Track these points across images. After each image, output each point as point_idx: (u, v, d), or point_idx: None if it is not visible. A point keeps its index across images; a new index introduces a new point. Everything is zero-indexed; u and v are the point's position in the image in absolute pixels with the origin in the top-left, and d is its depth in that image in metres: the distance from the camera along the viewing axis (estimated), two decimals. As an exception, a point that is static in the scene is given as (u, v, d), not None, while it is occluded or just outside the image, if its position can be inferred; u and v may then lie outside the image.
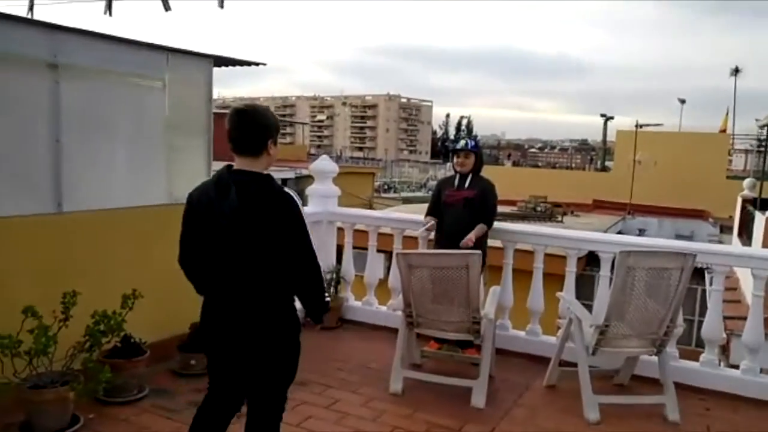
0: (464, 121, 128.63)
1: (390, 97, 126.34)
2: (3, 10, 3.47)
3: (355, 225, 5.79)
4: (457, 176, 4.87)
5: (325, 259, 5.73)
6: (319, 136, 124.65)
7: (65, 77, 3.79)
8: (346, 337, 5.32)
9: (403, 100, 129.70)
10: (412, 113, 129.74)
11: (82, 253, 3.82)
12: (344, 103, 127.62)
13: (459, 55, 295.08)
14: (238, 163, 2.32)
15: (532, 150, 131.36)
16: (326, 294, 2.51)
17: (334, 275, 5.66)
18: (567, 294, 4.67)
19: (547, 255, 4.90)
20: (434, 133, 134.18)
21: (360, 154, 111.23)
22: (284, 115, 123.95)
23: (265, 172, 2.34)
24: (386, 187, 61.12)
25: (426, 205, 5.13)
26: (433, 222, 4.90)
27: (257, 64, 5.57)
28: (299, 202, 2.43)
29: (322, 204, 5.78)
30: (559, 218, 16.29)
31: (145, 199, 4.37)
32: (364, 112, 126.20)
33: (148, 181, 4.44)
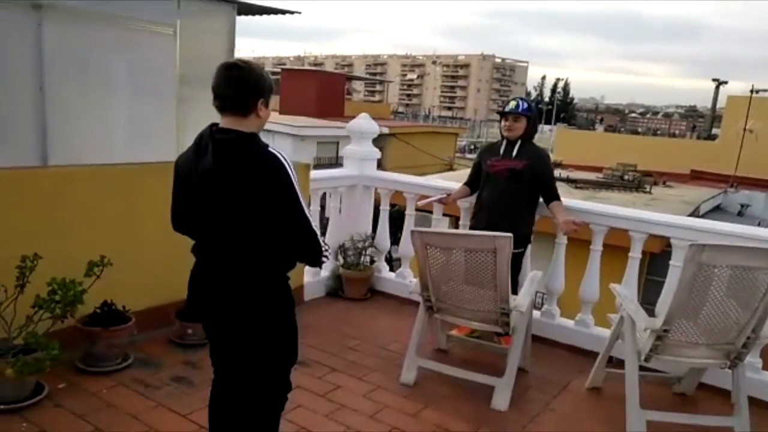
0: (560, 83, 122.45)
1: (484, 57, 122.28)
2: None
3: (393, 191, 5.23)
4: (504, 143, 4.16)
5: (359, 225, 5.26)
6: (408, 95, 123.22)
7: (50, 18, 3.45)
8: (372, 310, 4.85)
9: (497, 60, 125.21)
10: (505, 74, 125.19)
11: (67, 212, 3.50)
12: (434, 62, 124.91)
13: (559, 15, 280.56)
14: (224, 122, 2.10)
15: (633, 115, 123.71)
16: (323, 251, 2.18)
17: (366, 243, 5.18)
18: (625, 286, 3.94)
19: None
20: (528, 94, 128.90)
21: (449, 114, 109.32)
22: (374, 74, 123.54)
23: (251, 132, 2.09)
24: (472, 147, 59.74)
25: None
26: (445, 195, 4.30)
27: (291, 12, 5.08)
28: (287, 163, 2.05)
29: (357, 167, 5.26)
30: (648, 188, 14.81)
31: (147, 155, 4.01)
32: (455, 71, 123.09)
33: (152, 136, 4.11)
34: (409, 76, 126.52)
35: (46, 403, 2.95)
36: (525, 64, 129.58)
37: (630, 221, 4.08)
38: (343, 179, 5.22)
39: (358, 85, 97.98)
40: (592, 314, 4.29)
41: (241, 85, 2.08)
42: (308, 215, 2.11)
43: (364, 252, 5.16)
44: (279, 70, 39.67)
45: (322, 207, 5.19)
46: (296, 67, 53.56)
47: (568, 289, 4.38)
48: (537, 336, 4.26)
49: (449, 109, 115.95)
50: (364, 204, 5.35)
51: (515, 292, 3.76)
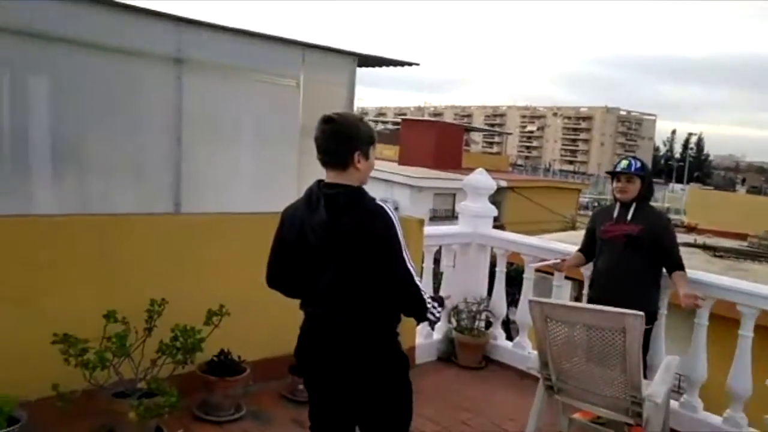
0: (693, 138, 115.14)
1: (608, 110, 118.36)
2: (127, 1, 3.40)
3: (510, 251, 4.98)
4: (617, 205, 3.83)
5: (474, 287, 5.05)
6: (528, 147, 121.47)
7: (188, 72, 3.66)
8: (488, 381, 4.56)
9: (623, 113, 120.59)
10: (631, 127, 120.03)
11: (194, 259, 3.64)
12: (555, 114, 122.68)
13: (689, 63, 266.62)
14: (328, 176, 2.15)
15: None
16: (434, 310, 2.17)
17: (481, 307, 4.94)
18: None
19: None
20: (656, 149, 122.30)
21: (570, 168, 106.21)
22: (493, 125, 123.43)
23: (357, 185, 2.13)
24: (596, 204, 57.22)
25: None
26: (560, 261, 4.01)
27: (410, 64, 5.10)
28: (394, 216, 2.10)
29: (472, 224, 5.08)
30: (805, 262, 13.18)
31: (271, 204, 4.09)
32: (577, 123, 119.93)
33: (275, 186, 4.20)
34: (529, 127, 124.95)
35: (164, 449, 2.99)
36: (653, 117, 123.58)
37: (737, 294, 3.62)
38: (456, 236, 5.07)
39: (476, 137, 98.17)
40: (743, 412, 3.73)
41: (335, 138, 2.11)
42: (411, 269, 2.11)
43: (478, 316, 4.92)
44: (399, 120, 40.65)
45: (437, 261, 5.06)
46: (415, 118, 54.75)
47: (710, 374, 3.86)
48: (674, 430, 3.77)
49: (571, 162, 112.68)
50: (478, 264, 5.14)
51: (644, 374, 3.37)
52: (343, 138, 2.10)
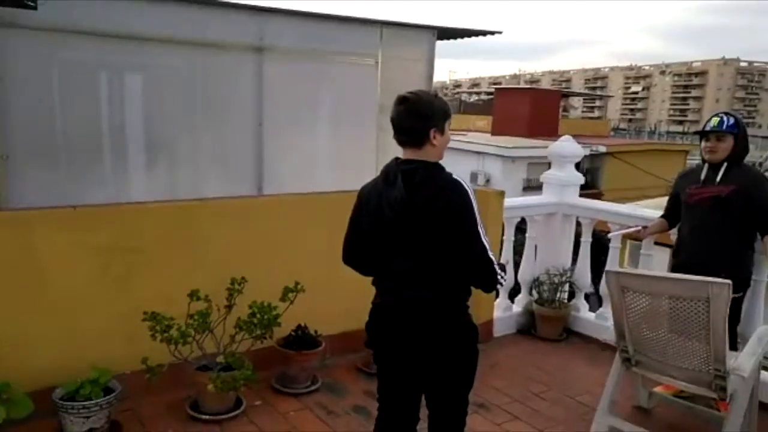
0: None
1: (725, 62, 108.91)
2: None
3: (596, 220, 4.83)
4: (705, 167, 3.57)
5: (557, 258, 4.94)
6: (632, 110, 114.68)
7: (269, 59, 3.83)
8: (566, 354, 4.48)
9: (743, 64, 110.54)
10: (753, 79, 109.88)
11: (275, 238, 3.82)
12: (663, 72, 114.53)
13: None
14: (405, 154, 2.20)
15: None
16: (501, 279, 2.23)
17: (564, 278, 4.84)
18: None
19: None
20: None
21: (679, 129, 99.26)
22: (594, 88, 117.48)
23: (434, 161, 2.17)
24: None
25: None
26: (641, 228, 3.80)
27: (492, 32, 5.00)
28: (470, 189, 2.14)
29: (557, 193, 4.96)
30: None
31: (350, 183, 4.22)
32: (689, 80, 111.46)
33: (355, 165, 4.31)
34: (633, 88, 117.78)
35: (242, 418, 3.24)
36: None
37: None
38: (541, 207, 4.96)
39: (576, 102, 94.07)
40: None
41: (411, 118, 2.13)
42: (486, 242, 2.14)
43: (560, 287, 4.83)
44: (493, 90, 39.75)
45: (522, 232, 5.00)
46: (508, 86, 53.23)
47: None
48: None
49: (680, 123, 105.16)
50: (563, 234, 5.02)
51: (733, 346, 3.19)
52: (418, 117, 2.13)
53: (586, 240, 4.85)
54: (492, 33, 4.90)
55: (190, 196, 3.64)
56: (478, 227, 2.12)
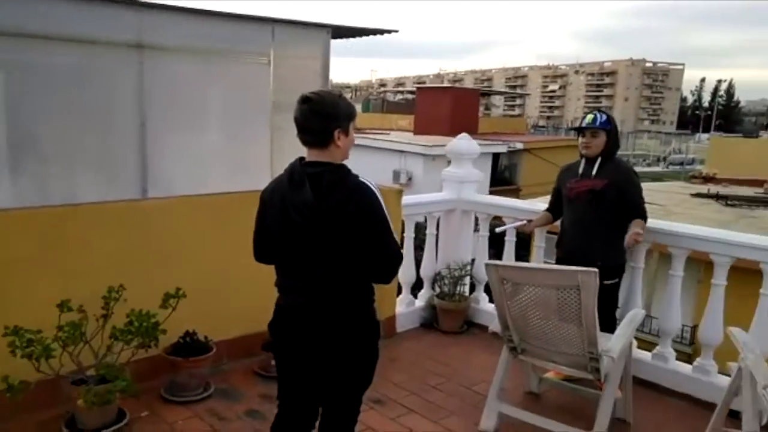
0: (723, 85, 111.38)
1: (633, 62, 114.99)
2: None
3: (492, 215, 4.96)
4: (583, 162, 3.79)
5: (458, 253, 5.04)
6: (550, 107, 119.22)
7: (150, 57, 3.68)
8: (466, 345, 4.58)
9: (648, 65, 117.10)
10: (657, 79, 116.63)
11: (162, 243, 3.68)
12: (577, 72, 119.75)
13: (722, 9, 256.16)
14: (309, 155, 2.17)
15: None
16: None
17: (464, 272, 4.94)
18: (755, 328, 3.36)
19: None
20: (684, 99, 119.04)
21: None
22: (515, 87, 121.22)
23: (339, 162, 2.17)
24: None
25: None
26: (525, 222, 3.96)
27: (389, 31, 5.03)
28: (377, 191, 2.16)
29: (456, 190, 5.05)
30: (822, 204, 12.80)
31: (245, 183, 4.14)
32: (601, 79, 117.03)
33: (247, 165, 4.23)
34: (551, 87, 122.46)
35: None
36: (680, 67, 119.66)
37: (709, 243, 3.59)
38: (440, 203, 5.04)
39: (497, 100, 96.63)
40: (715, 360, 3.71)
41: (315, 118, 2.11)
42: (396, 238, 2.21)
43: (461, 281, 4.93)
44: (412, 89, 40.21)
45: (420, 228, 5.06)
46: (429, 85, 54.06)
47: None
48: (647, 381, 3.78)
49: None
50: (462, 230, 5.13)
51: (612, 329, 3.36)
52: (322, 117, 2.11)
53: (483, 234, 4.97)
54: (389, 31, 4.93)
55: (66, 202, 3.44)
56: (389, 225, 2.16)
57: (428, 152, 24.25)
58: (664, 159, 59.07)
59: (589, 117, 3.77)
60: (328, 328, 2.18)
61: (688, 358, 3.96)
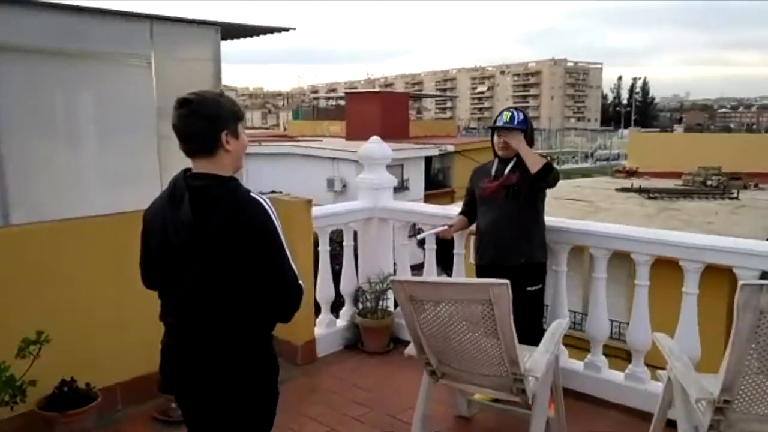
0: (639, 83, 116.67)
1: (555, 62, 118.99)
2: None
3: (410, 223, 4.66)
4: (496, 162, 3.58)
5: (378, 265, 4.71)
6: (480, 109, 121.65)
7: (2, 61, 3.15)
8: (392, 366, 4.22)
9: (570, 65, 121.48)
10: (579, 78, 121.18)
11: (29, 276, 3.17)
12: (502, 72, 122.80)
13: (635, 9, 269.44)
14: (196, 166, 1.88)
15: (723, 110, 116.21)
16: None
17: (386, 285, 4.60)
18: (680, 333, 3.18)
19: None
20: (604, 97, 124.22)
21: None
22: (444, 89, 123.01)
23: (229, 174, 1.88)
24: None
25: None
26: (446, 227, 3.69)
27: (285, 29, 4.64)
28: (271, 209, 1.86)
29: (371, 197, 4.72)
30: (734, 193, 13.30)
31: (128, 202, 3.66)
32: (527, 80, 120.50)
33: (132, 180, 3.74)
34: (479, 89, 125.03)
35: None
36: (599, 66, 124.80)
37: (628, 241, 3.46)
38: (355, 213, 4.70)
39: (428, 103, 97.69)
40: (646, 365, 3.52)
41: (196, 121, 1.83)
42: (294, 267, 1.88)
43: (383, 296, 4.59)
44: (343, 95, 39.94)
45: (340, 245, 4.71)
46: (359, 90, 53.94)
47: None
48: (580, 393, 3.57)
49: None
50: (381, 240, 4.80)
51: (538, 342, 3.10)
52: (205, 119, 1.82)
53: (403, 243, 4.67)
54: (285, 29, 4.55)
55: None
56: (284, 251, 1.84)
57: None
58: (592, 155, 61.15)
59: (506, 115, 3.54)
60: (215, 373, 1.89)
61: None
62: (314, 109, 43.33)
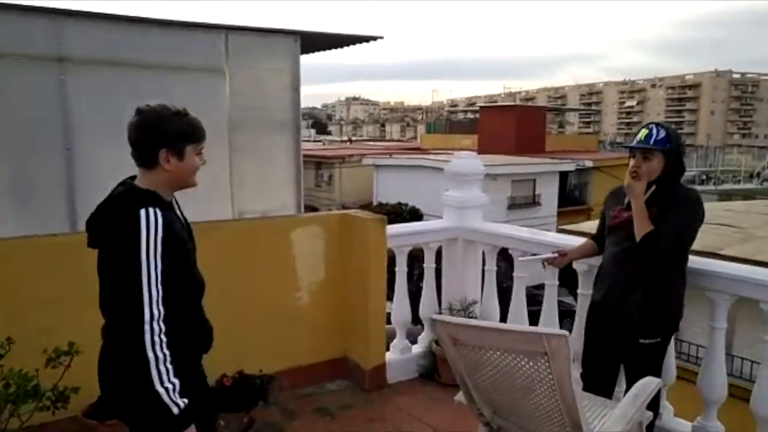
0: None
1: (717, 74, 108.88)
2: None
3: (500, 247, 4.18)
4: None
5: (462, 290, 4.30)
6: (628, 123, 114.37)
7: (74, 72, 3.23)
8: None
9: (736, 76, 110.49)
10: (746, 90, 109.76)
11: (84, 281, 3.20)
12: (654, 85, 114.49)
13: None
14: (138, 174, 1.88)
15: None
16: (162, 381, 1.67)
17: (468, 313, 4.18)
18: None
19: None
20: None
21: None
22: (589, 104, 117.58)
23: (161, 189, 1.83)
24: (704, 178, 52.85)
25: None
26: (556, 255, 3.15)
27: (373, 38, 4.40)
28: (151, 228, 1.69)
29: (457, 217, 4.32)
30: None
31: (202, 212, 3.62)
32: (682, 93, 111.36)
33: (204, 192, 3.68)
34: (628, 103, 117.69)
35: None
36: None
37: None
38: (435, 233, 4.32)
39: (572, 118, 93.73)
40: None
41: (138, 132, 1.83)
42: (148, 294, 1.66)
43: (463, 324, 4.16)
44: (478, 109, 39.46)
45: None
46: (492, 104, 52.92)
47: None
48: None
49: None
50: (467, 263, 4.37)
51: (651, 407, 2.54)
52: (145, 132, 1.82)
53: (490, 269, 4.20)
54: (373, 39, 4.30)
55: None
56: (142, 274, 1.65)
57: (489, 171, 23.35)
58: (758, 175, 54.87)
59: (643, 132, 2.82)
60: (111, 383, 1.80)
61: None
62: (448, 122, 43.20)
